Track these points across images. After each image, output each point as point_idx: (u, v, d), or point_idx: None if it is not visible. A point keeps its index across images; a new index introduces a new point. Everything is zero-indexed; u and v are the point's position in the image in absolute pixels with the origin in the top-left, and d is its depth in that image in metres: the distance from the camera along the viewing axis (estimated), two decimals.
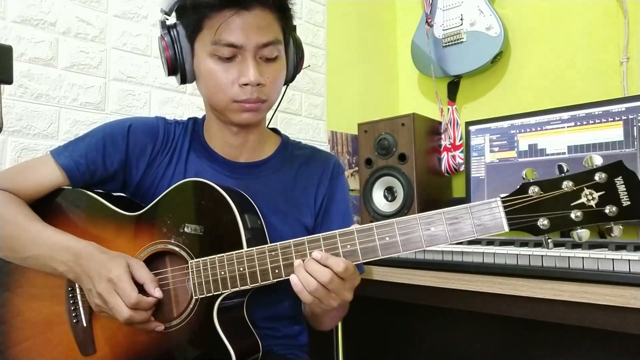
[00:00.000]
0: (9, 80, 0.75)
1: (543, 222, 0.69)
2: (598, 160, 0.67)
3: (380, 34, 2.11)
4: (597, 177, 0.66)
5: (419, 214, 0.74)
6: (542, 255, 0.96)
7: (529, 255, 0.97)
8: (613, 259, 0.87)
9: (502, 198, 0.71)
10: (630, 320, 0.86)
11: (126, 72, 1.35)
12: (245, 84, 0.85)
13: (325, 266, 0.74)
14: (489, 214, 0.71)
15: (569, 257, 0.92)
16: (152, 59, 1.39)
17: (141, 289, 0.81)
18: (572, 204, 0.67)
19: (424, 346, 1.64)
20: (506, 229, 0.70)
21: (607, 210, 0.66)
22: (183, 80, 0.93)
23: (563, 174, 0.69)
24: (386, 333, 1.70)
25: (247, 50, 0.84)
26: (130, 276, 0.80)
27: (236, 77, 0.86)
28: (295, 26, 0.97)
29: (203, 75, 0.89)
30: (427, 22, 1.84)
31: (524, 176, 0.70)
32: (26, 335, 0.89)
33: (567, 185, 0.67)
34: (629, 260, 0.86)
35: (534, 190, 0.69)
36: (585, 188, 0.67)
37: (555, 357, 1.38)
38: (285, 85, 0.99)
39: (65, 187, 0.94)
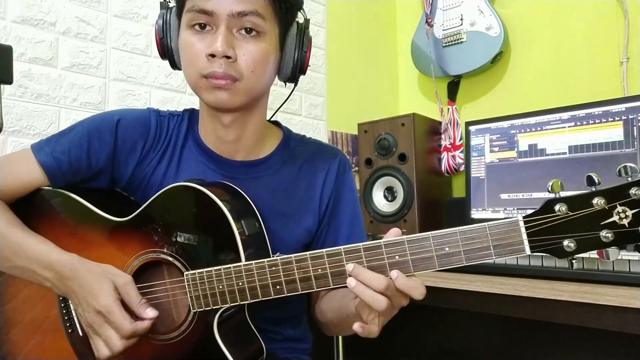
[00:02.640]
0: (9, 80, 0.75)
1: (569, 244, 0.61)
2: (634, 170, 0.59)
3: (380, 34, 2.11)
4: (632, 192, 0.58)
5: (432, 233, 0.67)
6: (542, 256, 0.96)
7: (529, 255, 0.97)
8: (613, 259, 0.87)
9: (524, 217, 0.63)
10: (630, 320, 0.86)
11: (126, 72, 1.35)
12: (212, 55, 0.77)
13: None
14: (509, 235, 0.64)
15: None
16: (152, 59, 1.39)
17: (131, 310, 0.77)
18: (602, 223, 0.60)
19: (424, 347, 1.64)
20: (528, 252, 0.64)
21: None
22: (171, 62, 0.89)
23: (594, 188, 0.61)
24: (386, 333, 1.69)
25: (220, 19, 0.78)
26: (120, 302, 0.76)
27: (205, 48, 0.78)
28: (307, 21, 0.89)
29: (181, 48, 0.84)
30: (427, 22, 1.84)
31: (550, 189, 0.62)
32: (23, 341, 0.86)
33: (598, 202, 0.60)
34: (629, 260, 0.86)
35: (560, 209, 0.61)
36: (618, 205, 0.59)
37: (555, 357, 1.38)
38: (287, 83, 0.93)
39: (46, 187, 0.87)
